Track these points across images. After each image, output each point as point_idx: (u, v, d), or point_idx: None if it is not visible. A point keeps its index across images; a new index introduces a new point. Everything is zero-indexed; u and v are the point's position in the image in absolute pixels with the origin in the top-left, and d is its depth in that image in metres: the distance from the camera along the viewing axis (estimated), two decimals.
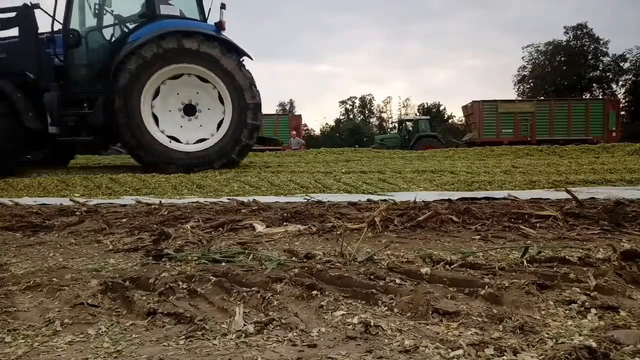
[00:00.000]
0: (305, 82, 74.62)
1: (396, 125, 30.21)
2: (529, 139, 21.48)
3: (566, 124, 22.44)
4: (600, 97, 22.82)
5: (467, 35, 72.57)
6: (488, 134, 22.42)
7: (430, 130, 25.54)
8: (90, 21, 9.13)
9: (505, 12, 66.90)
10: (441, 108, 50.46)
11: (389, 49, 74.96)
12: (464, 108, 26.19)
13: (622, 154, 11.30)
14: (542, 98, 23.23)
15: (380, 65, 76.19)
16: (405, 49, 75.11)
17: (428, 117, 29.54)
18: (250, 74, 9.00)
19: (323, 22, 73.59)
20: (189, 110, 8.85)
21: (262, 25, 72.40)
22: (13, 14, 8.40)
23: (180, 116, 8.85)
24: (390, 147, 19.97)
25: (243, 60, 9.09)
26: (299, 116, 28.78)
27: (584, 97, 23.00)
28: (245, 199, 5.66)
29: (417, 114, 47.93)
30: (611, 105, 23.02)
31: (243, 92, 8.81)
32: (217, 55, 8.56)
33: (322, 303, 1.80)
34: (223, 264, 2.46)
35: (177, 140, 8.88)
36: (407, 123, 25.96)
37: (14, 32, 8.51)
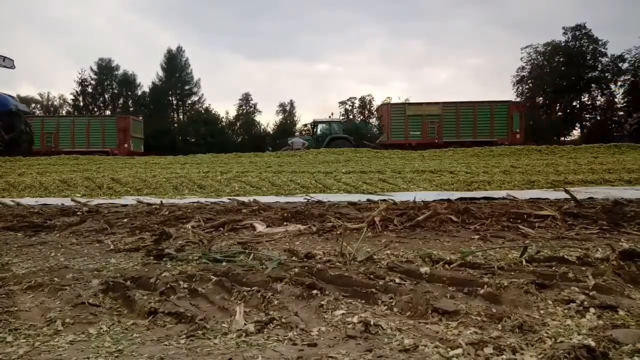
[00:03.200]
0: (305, 82, 74.57)
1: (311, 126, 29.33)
2: (436, 141, 21.47)
3: (472, 126, 22.55)
4: (506, 99, 22.91)
5: (469, 34, 72.29)
6: (396, 137, 22.31)
7: (342, 132, 25.24)
8: None
9: (507, 10, 66.71)
10: None
11: (389, 47, 74.70)
12: (377, 110, 25.62)
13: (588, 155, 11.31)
14: (449, 101, 23.21)
15: (380, 64, 75.93)
16: (406, 48, 74.82)
17: (341, 119, 29.16)
18: None
19: (323, 20, 73.43)
20: None
21: (261, 24, 72.29)
22: None
23: None
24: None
25: None
26: (127, 118, 26.22)
27: (492, 100, 23.05)
28: (245, 199, 5.66)
29: None
30: (515, 107, 23.02)
31: None
32: None
33: (322, 302, 1.80)
34: (224, 263, 2.46)
35: None
36: (321, 125, 25.41)
37: None
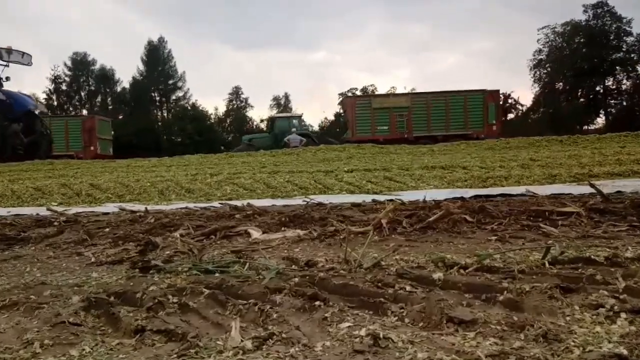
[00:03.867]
0: (300, 73, 74.47)
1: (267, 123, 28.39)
2: (405, 136, 21.37)
3: (444, 118, 22.37)
4: (481, 88, 22.82)
5: (476, 15, 72.01)
6: (362, 132, 22.18)
7: (302, 128, 24.72)
8: None
9: None
10: None
11: (391, 32, 74.48)
12: (341, 104, 24.97)
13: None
14: (418, 91, 23.14)
15: (381, 51, 75.76)
16: (409, 32, 74.54)
17: (301, 114, 28.73)
18: None
19: (318, 5, 73.21)
20: None
21: (252, 10, 72.08)
22: None
23: None
24: (260, 147, 19.06)
25: None
26: (92, 118, 26.23)
27: (465, 89, 23.06)
28: (239, 203, 5.66)
29: None
30: (491, 97, 22.76)
31: None
32: None
33: (326, 315, 1.81)
34: (216, 274, 2.46)
35: None
36: (279, 121, 24.87)
37: None
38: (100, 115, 29.38)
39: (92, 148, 23.99)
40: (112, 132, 27.72)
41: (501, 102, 23.23)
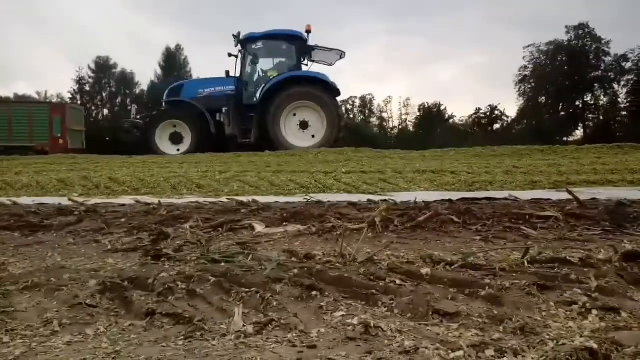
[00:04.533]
0: None
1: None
2: None
3: (6, 129, 19.22)
4: (46, 101, 20.10)
5: (474, 31, 71.60)
6: None
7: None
8: None
9: (511, 7, 66.34)
10: (442, 108, 50.46)
11: (391, 45, 74.26)
12: None
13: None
14: None
15: (381, 62, 75.47)
16: (408, 46, 74.39)
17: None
18: None
19: (324, 15, 72.95)
20: None
21: (261, 20, 71.81)
22: None
23: None
24: None
25: None
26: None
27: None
28: (244, 199, 5.66)
29: (418, 114, 47.71)
30: (55, 110, 20.02)
31: None
32: None
33: (321, 304, 1.81)
34: (222, 264, 2.46)
35: None
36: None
37: None
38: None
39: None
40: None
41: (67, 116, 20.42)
